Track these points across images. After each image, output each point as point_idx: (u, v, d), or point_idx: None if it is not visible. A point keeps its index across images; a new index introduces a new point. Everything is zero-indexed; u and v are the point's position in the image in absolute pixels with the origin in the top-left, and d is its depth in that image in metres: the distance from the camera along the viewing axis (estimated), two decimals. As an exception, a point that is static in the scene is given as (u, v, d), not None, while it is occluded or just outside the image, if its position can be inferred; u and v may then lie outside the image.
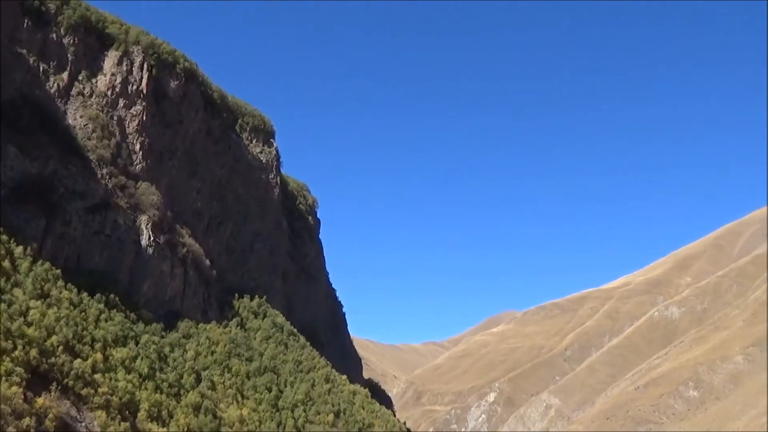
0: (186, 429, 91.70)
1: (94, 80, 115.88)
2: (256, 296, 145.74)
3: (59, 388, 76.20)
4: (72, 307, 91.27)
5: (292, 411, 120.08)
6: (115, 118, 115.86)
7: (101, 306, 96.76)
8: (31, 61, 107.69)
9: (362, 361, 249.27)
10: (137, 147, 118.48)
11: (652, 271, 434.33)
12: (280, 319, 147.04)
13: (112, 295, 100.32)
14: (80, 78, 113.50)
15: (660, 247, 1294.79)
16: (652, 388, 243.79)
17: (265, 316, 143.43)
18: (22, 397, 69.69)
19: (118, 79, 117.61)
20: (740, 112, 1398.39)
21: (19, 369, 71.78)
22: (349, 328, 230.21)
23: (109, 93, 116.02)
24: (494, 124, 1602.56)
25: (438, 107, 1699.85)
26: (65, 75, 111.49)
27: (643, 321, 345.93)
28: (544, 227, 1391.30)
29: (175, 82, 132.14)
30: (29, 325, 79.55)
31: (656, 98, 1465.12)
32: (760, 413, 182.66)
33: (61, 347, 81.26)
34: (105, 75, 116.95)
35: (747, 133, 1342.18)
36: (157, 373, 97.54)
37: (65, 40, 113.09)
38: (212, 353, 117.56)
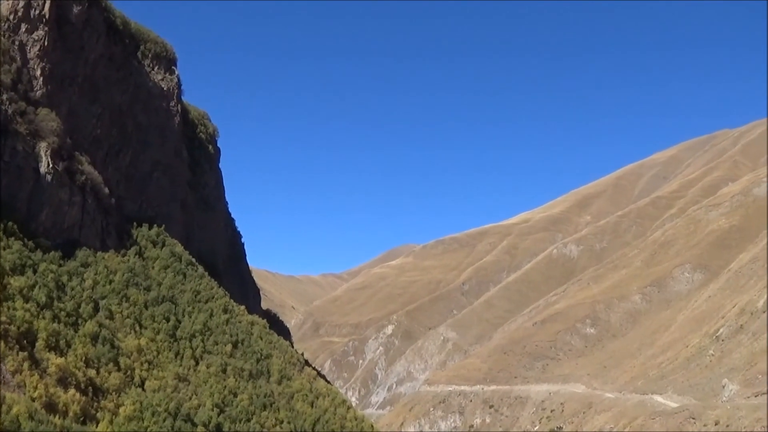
0: (84, 358, 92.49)
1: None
2: (155, 225, 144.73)
3: (-44, 317, 75.94)
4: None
5: (190, 341, 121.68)
6: (17, 43, 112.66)
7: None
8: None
9: (261, 292, 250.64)
10: (38, 73, 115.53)
11: (552, 209, 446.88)
12: (179, 248, 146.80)
13: (10, 223, 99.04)
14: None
15: (561, 185, 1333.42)
16: (550, 325, 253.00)
17: (163, 245, 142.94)
18: None
19: (21, 4, 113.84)
20: (643, 54, 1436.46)
21: None
22: (248, 258, 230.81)
23: (11, 17, 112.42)
24: (398, 60, 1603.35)
25: (340, 47, 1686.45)
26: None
27: (541, 258, 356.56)
28: (445, 161, 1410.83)
29: (78, 8, 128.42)
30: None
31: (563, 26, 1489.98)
32: (656, 352, 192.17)
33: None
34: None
35: (649, 78, 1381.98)
36: (55, 302, 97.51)
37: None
38: (110, 282, 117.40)
